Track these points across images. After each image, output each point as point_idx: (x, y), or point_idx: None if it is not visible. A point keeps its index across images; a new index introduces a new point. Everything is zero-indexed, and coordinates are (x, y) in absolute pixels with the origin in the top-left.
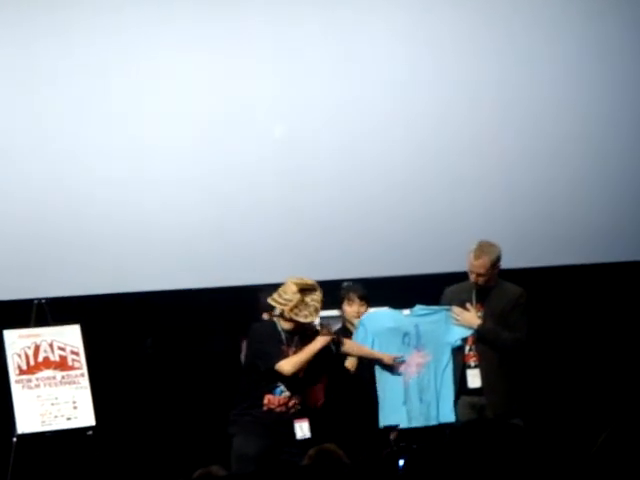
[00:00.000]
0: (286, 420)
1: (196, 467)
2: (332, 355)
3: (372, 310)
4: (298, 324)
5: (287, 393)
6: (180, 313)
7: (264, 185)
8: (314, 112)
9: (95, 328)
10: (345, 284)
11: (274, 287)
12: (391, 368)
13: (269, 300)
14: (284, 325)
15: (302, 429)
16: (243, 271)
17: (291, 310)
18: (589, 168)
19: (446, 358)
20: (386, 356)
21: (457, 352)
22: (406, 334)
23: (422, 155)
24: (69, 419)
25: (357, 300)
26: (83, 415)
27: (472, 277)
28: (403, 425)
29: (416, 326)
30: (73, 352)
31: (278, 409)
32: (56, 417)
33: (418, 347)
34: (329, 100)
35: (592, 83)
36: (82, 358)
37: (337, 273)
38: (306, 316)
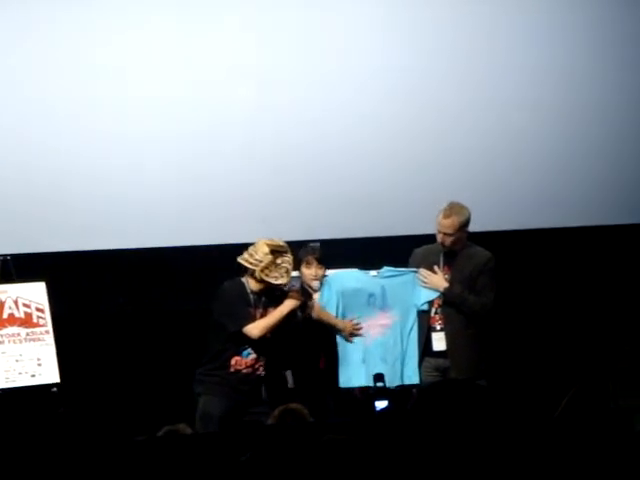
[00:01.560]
0: (252, 381)
1: (162, 425)
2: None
3: (337, 271)
4: (268, 285)
5: (254, 355)
6: (149, 271)
7: (232, 148)
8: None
9: (61, 286)
10: (304, 247)
11: (244, 247)
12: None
13: (239, 259)
14: (253, 286)
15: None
16: (213, 230)
17: (262, 271)
18: (562, 133)
19: (412, 320)
20: (342, 322)
21: (422, 315)
22: (371, 295)
23: (395, 116)
24: (33, 376)
25: (315, 262)
26: (47, 372)
27: (439, 237)
28: (362, 384)
29: (382, 287)
30: (38, 309)
31: (245, 370)
32: (20, 374)
33: (384, 308)
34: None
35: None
36: (47, 315)
37: (305, 234)
38: (277, 278)
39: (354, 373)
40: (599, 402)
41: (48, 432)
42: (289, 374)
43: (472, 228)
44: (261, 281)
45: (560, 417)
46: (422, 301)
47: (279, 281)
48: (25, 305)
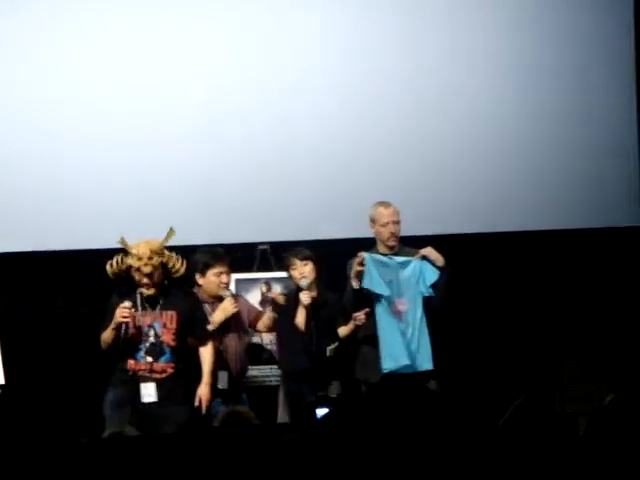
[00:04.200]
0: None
1: (104, 427)
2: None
3: (370, 256)
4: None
5: (149, 358)
6: (90, 273)
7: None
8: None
9: (4, 287)
10: (285, 253)
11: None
12: (389, 311)
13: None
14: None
15: (148, 390)
16: (158, 232)
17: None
18: (557, 135)
19: (420, 308)
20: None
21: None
22: (390, 281)
23: (386, 118)
24: None
25: (298, 262)
26: None
27: (387, 230)
28: (406, 363)
29: (397, 274)
30: None
31: (140, 373)
32: None
33: (399, 294)
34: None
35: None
36: None
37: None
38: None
39: (398, 354)
40: (545, 407)
41: None
42: (223, 375)
43: (469, 229)
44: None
45: (506, 423)
46: (427, 285)
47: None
48: None
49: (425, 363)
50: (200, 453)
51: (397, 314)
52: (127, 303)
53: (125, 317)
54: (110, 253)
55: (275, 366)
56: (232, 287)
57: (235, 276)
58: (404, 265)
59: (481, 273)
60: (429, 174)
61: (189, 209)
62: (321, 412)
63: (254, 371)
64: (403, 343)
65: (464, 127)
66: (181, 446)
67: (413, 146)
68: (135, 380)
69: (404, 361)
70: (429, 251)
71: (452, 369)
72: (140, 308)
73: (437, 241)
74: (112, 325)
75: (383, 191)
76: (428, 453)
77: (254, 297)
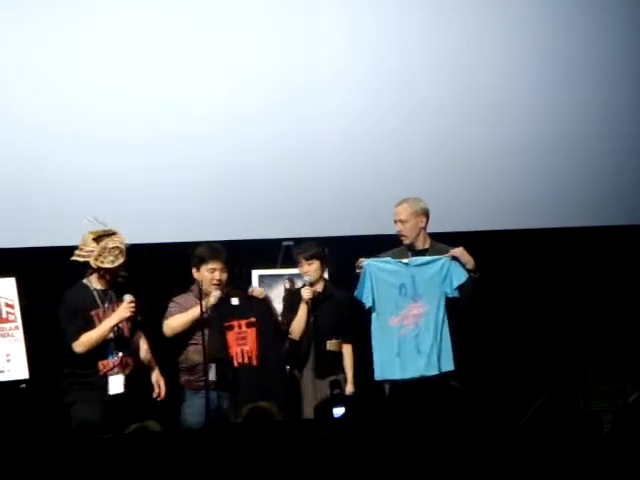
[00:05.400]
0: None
1: (131, 422)
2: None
3: (372, 260)
4: (109, 275)
5: (120, 353)
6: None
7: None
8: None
9: (31, 281)
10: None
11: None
12: (388, 321)
13: (73, 258)
14: (96, 284)
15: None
16: (173, 229)
17: (96, 259)
18: (559, 134)
19: (442, 308)
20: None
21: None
22: (402, 285)
23: (389, 117)
24: (2, 372)
25: (303, 261)
26: (17, 368)
27: (396, 229)
28: (396, 377)
29: (412, 277)
30: (8, 305)
31: (115, 370)
32: None
33: (415, 298)
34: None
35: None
36: (17, 311)
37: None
38: (112, 261)
39: (388, 366)
40: (569, 405)
41: (16, 429)
42: (212, 367)
43: (472, 227)
44: (100, 270)
45: (530, 420)
46: (453, 287)
47: (116, 263)
48: None
49: (446, 364)
50: (224, 449)
51: (405, 321)
52: (131, 297)
53: (133, 312)
54: (132, 249)
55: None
56: (255, 283)
57: (258, 272)
58: (428, 264)
59: (507, 271)
60: (448, 173)
61: (215, 206)
62: (338, 411)
63: None
64: (397, 355)
65: (483, 128)
66: (205, 442)
67: (438, 144)
68: (102, 377)
69: (393, 375)
70: (461, 252)
71: (476, 368)
72: (102, 303)
73: (461, 238)
74: (114, 322)
75: (405, 189)
76: (453, 450)
77: (278, 293)
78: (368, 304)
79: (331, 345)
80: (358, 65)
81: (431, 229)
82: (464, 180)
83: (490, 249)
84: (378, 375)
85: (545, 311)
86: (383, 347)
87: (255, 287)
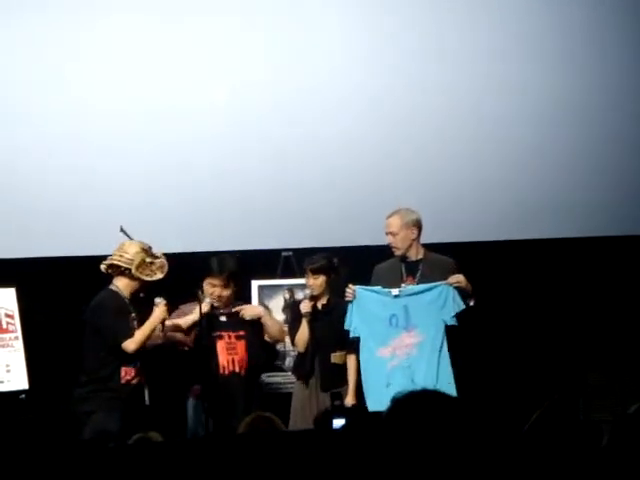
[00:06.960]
0: (138, 388)
1: (133, 432)
2: None
3: (360, 289)
4: (139, 288)
5: (138, 362)
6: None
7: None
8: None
9: (31, 291)
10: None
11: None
12: (374, 352)
13: (111, 260)
14: (125, 292)
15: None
16: (179, 240)
17: (137, 269)
18: (557, 141)
19: (441, 336)
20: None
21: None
22: (393, 316)
23: (383, 123)
24: (1, 382)
25: (309, 273)
26: (16, 379)
27: (387, 240)
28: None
29: (404, 306)
30: (8, 315)
31: (135, 380)
32: None
33: (407, 327)
34: None
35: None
36: (17, 321)
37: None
38: (150, 275)
39: (378, 398)
40: (569, 415)
41: (16, 439)
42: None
43: (468, 238)
44: (137, 280)
45: (530, 430)
46: (451, 315)
47: (154, 277)
48: None
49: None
50: (227, 458)
51: (396, 351)
52: (164, 300)
53: (167, 314)
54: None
55: (288, 373)
56: (254, 294)
57: (258, 282)
58: (425, 291)
59: (508, 282)
60: (446, 180)
61: (214, 215)
62: (338, 422)
63: (267, 378)
64: (386, 386)
65: (482, 135)
66: (207, 452)
67: (437, 151)
68: (124, 385)
69: (384, 406)
70: (460, 280)
71: (477, 378)
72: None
73: (458, 248)
74: (156, 323)
75: (403, 198)
76: (453, 460)
77: (277, 303)
78: (354, 335)
79: (335, 358)
80: (357, 70)
81: (433, 239)
82: (463, 189)
83: (493, 259)
84: (371, 407)
85: (546, 321)
86: (372, 378)
87: (247, 308)
